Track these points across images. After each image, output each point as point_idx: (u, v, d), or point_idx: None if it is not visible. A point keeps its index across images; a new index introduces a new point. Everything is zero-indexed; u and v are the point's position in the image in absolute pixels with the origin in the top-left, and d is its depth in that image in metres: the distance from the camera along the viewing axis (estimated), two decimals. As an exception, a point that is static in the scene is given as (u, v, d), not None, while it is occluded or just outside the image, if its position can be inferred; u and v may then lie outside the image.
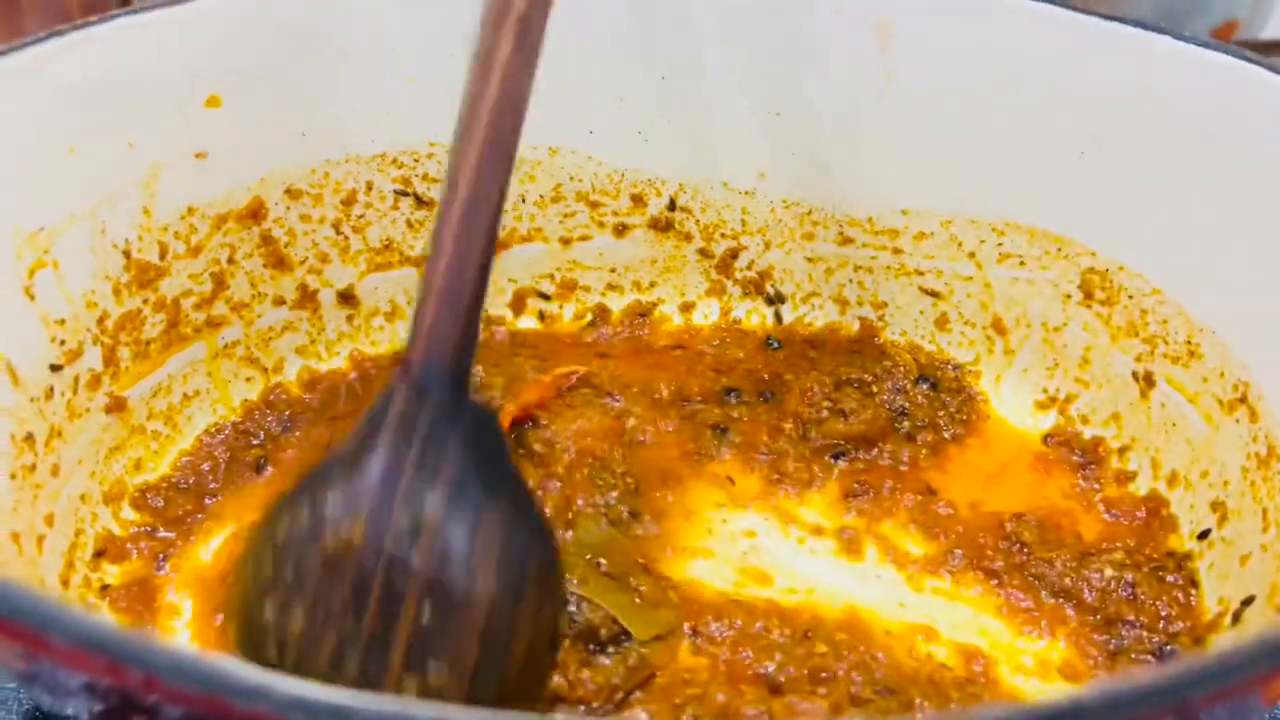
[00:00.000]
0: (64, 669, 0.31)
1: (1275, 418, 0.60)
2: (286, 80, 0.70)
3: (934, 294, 0.77)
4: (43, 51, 0.60)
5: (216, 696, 0.30)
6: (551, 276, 0.82)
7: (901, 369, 0.74)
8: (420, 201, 0.77)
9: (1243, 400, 0.62)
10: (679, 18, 0.75)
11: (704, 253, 0.81)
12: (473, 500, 0.46)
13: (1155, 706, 0.30)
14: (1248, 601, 0.58)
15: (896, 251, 0.78)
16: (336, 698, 0.30)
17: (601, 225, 0.80)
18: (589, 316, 0.81)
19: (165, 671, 0.30)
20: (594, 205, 0.80)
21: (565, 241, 0.81)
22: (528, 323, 0.81)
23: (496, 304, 0.80)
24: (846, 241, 0.79)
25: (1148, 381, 0.69)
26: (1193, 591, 0.62)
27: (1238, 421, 0.63)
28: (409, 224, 0.77)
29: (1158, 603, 0.61)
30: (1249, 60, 0.63)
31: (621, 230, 0.81)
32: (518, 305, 0.81)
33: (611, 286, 0.82)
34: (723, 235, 0.81)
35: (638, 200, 0.80)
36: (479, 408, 0.50)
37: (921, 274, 0.78)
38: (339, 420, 0.72)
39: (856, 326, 0.80)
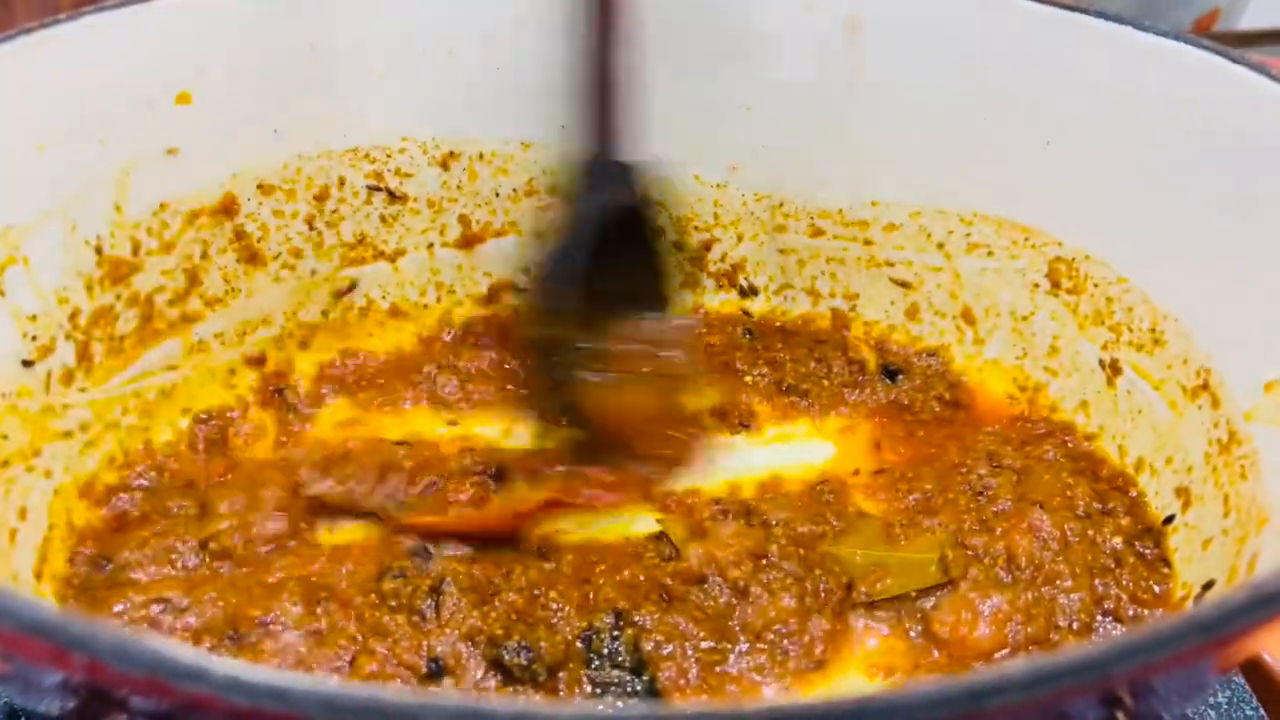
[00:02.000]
0: (8, 654, 0.32)
1: (1236, 404, 0.60)
2: (258, 76, 0.70)
3: (904, 284, 0.78)
4: (11, 49, 0.61)
5: (157, 678, 0.31)
6: (528, 270, 0.82)
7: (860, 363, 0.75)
8: (393, 196, 0.77)
9: (1205, 387, 0.63)
10: (649, 12, 0.75)
11: (677, 245, 0.82)
12: None
13: (1078, 681, 0.31)
14: (1208, 586, 0.58)
15: (867, 243, 0.78)
16: (272, 678, 0.31)
17: (575, 219, 0.81)
18: None
19: (107, 655, 0.31)
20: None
21: (540, 236, 0.81)
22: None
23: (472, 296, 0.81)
24: (818, 233, 0.80)
25: (1114, 369, 0.69)
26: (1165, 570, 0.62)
27: (1200, 408, 0.63)
28: (382, 218, 0.78)
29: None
30: (1214, 51, 0.63)
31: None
32: (493, 297, 0.82)
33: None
34: (695, 228, 0.81)
35: (611, 193, 0.80)
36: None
37: (892, 265, 0.78)
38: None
39: (829, 318, 0.80)
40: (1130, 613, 0.60)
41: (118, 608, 0.58)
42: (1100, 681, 0.31)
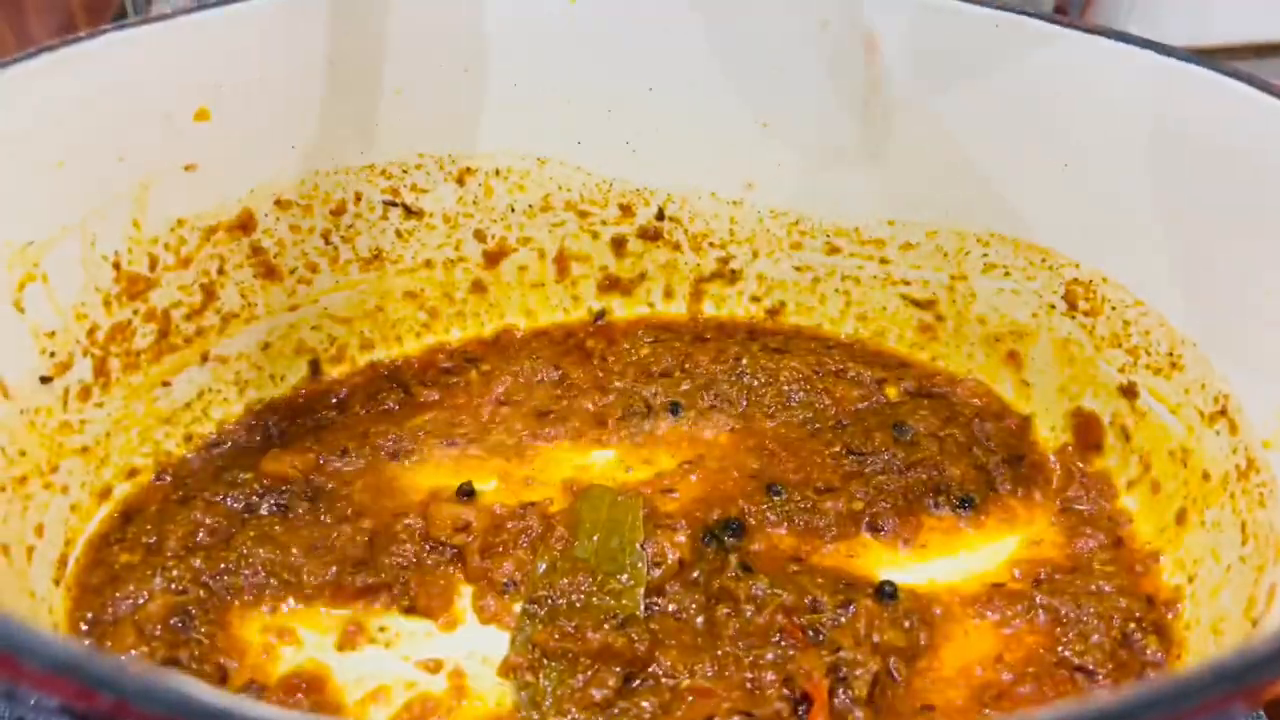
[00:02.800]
0: (37, 692, 0.32)
1: (1254, 431, 0.60)
2: (275, 93, 0.70)
3: (919, 303, 0.78)
4: (32, 68, 0.61)
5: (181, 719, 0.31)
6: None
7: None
8: (409, 211, 0.78)
9: (1223, 413, 0.63)
10: (666, 30, 0.75)
11: (693, 261, 0.82)
12: None
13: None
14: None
15: (883, 261, 0.78)
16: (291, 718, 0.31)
17: (594, 235, 0.81)
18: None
19: (135, 696, 0.31)
20: (583, 215, 0.81)
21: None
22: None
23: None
24: (833, 251, 0.79)
25: (1130, 392, 0.69)
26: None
27: (1218, 434, 0.63)
28: (398, 234, 0.78)
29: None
30: (1231, 75, 0.63)
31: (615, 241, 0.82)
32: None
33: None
34: (711, 244, 0.81)
35: (626, 210, 0.81)
36: None
37: (908, 283, 0.78)
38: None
39: (845, 334, 0.80)
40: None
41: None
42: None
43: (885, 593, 0.61)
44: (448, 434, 0.72)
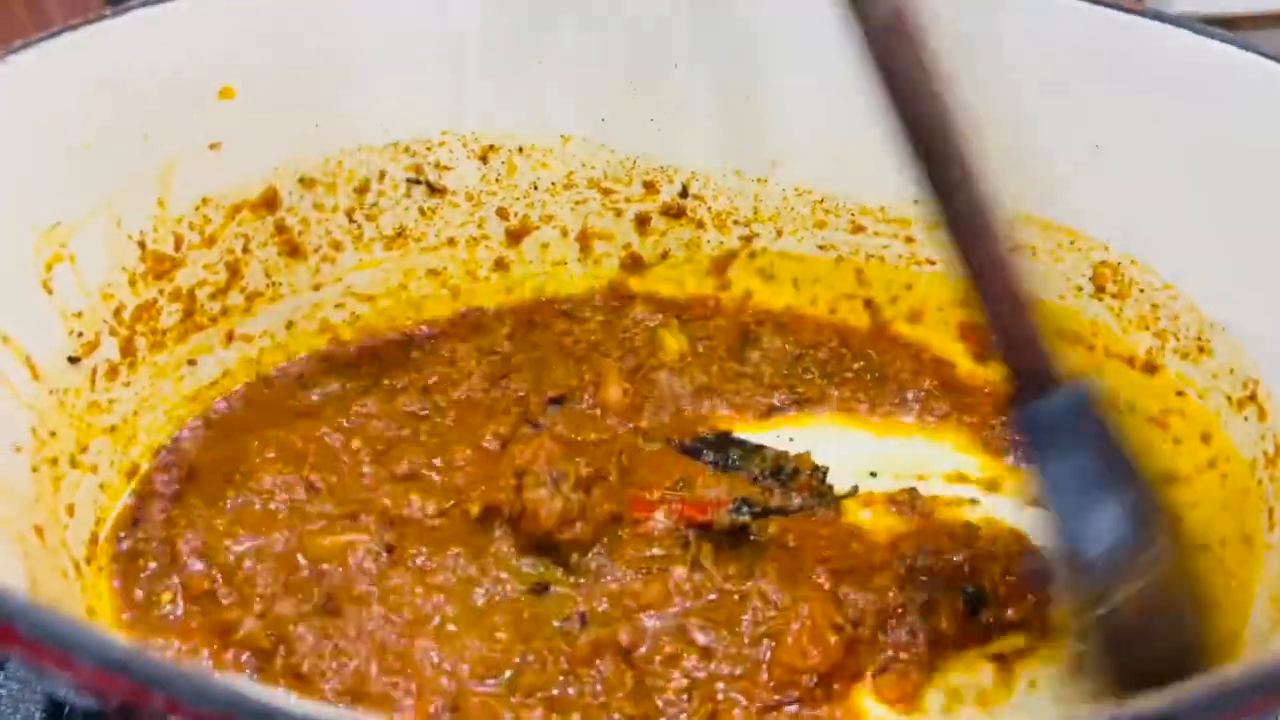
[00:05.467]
0: (88, 689, 0.32)
1: (1284, 414, 0.60)
2: (299, 70, 0.70)
3: (945, 283, 0.77)
4: (57, 47, 0.61)
5: (232, 717, 0.31)
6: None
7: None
8: (432, 189, 0.77)
9: (1252, 398, 0.62)
10: (691, 6, 0.74)
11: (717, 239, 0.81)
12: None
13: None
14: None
15: (909, 240, 0.78)
16: (340, 715, 0.31)
17: (618, 213, 0.81)
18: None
19: (186, 695, 0.31)
20: (606, 192, 0.80)
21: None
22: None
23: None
24: (858, 230, 0.79)
25: (1151, 368, 0.69)
26: None
27: (1246, 420, 0.63)
28: (421, 211, 0.78)
29: None
30: (1264, 56, 0.62)
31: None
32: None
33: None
34: (735, 222, 0.81)
35: (650, 187, 0.80)
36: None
37: (933, 263, 0.78)
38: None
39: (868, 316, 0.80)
40: None
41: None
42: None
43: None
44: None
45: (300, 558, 0.61)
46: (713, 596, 0.60)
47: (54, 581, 0.57)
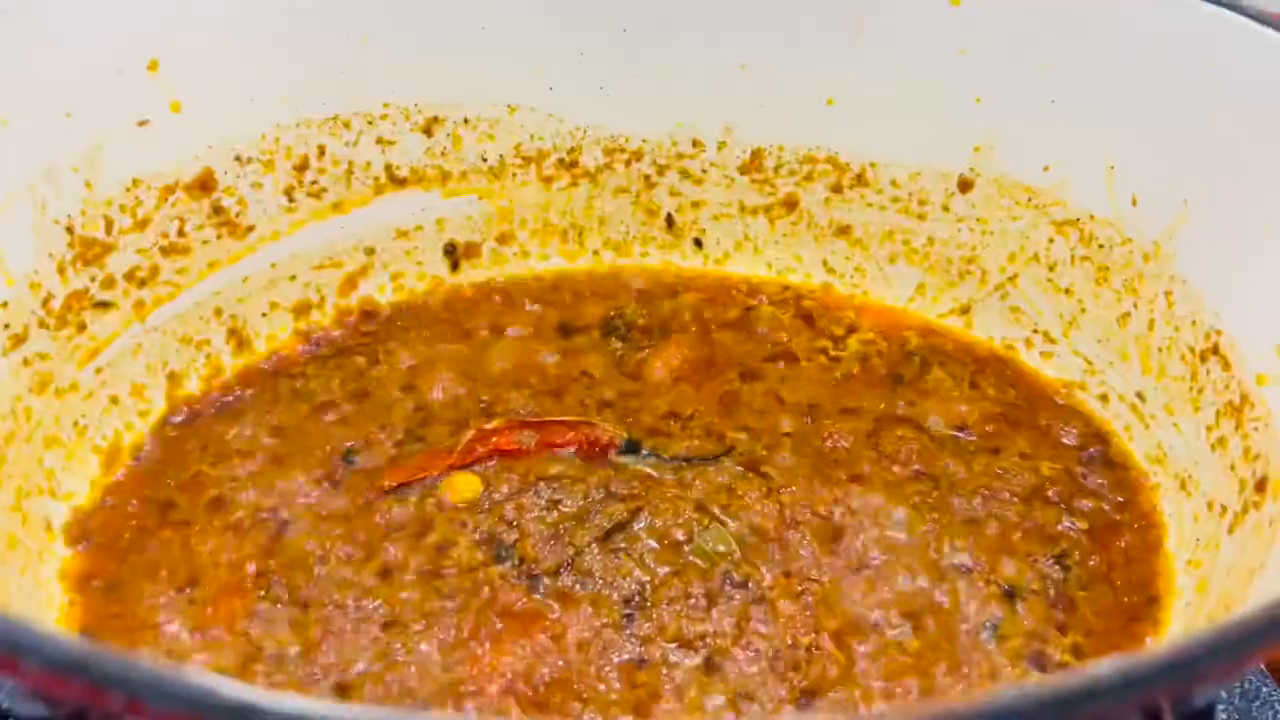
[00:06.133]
0: (40, 693, 0.30)
1: (1247, 366, 0.60)
2: (233, 42, 0.67)
3: (905, 243, 0.77)
4: (-31, 19, 0.57)
5: (200, 717, 0.29)
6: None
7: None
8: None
9: (1214, 350, 0.62)
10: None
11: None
12: None
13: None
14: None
15: (867, 206, 0.77)
16: (328, 711, 0.29)
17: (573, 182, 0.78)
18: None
19: (148, 694, 0.29)
20: (557, 164, 0.78)
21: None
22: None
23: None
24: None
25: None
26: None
27: (1209, 371, 0.63)
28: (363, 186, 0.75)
29: None
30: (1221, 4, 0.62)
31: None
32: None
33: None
34: (690, 187, 0.79)
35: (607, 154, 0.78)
36: None
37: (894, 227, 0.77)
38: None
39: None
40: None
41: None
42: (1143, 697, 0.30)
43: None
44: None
45: None
46: None
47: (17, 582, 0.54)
